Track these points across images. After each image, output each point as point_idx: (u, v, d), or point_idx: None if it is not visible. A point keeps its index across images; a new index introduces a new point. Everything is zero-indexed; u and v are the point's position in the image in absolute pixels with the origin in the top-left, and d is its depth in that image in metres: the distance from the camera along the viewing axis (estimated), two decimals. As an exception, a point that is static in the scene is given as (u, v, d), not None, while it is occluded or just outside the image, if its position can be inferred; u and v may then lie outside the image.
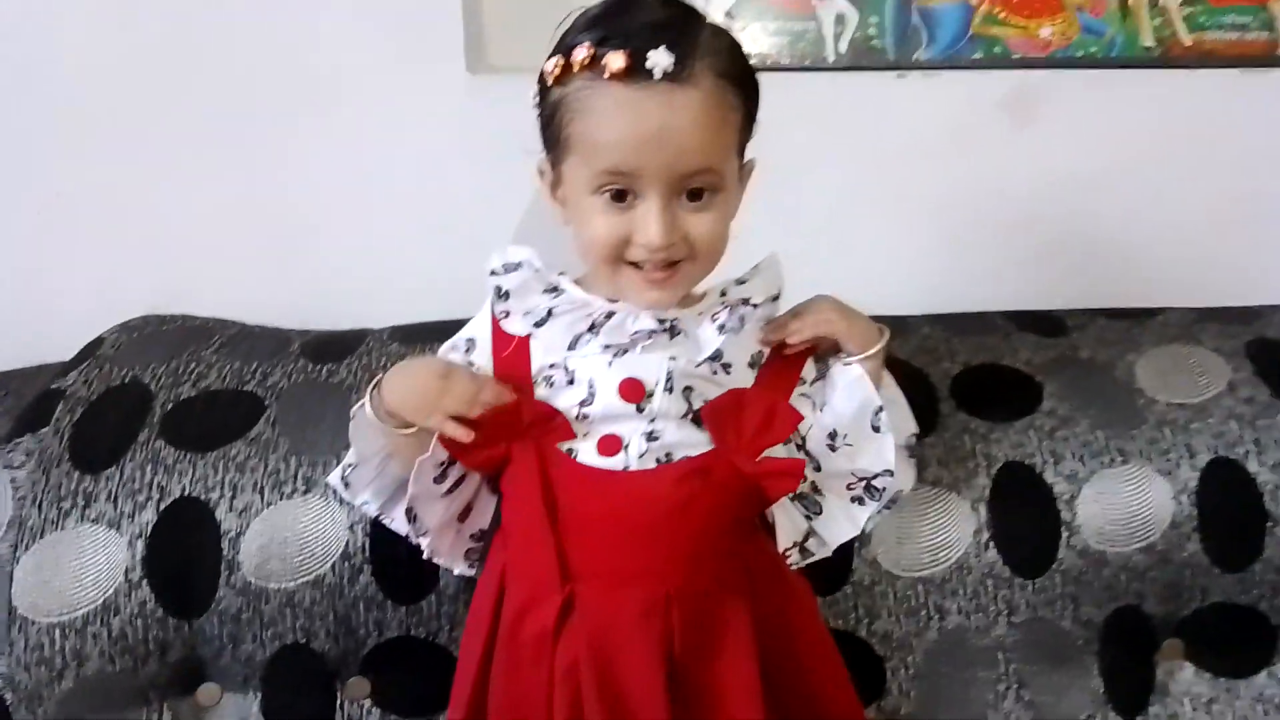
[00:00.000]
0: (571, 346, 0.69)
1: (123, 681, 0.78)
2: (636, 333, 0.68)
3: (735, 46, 0.66)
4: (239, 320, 1.01)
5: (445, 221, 1.08)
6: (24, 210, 1.07)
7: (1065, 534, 0.82)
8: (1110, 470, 0.83)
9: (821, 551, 0.75)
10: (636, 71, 0.61)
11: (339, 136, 1.06)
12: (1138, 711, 0.83)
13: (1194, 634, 0.84)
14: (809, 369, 0.74)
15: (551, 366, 0.70)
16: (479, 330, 0.74)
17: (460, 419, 0.67)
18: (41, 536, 0.78)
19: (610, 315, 0.69)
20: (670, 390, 0.68)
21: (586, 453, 0.68)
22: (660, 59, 0.61)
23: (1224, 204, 1.13)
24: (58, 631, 0.76)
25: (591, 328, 0.69)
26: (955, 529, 0.82)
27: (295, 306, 1.06)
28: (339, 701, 0.81)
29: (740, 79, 0.65)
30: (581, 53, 0.62)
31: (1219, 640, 0.84)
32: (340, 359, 0.90)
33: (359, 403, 0.71)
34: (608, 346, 0.69)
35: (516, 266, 0.71)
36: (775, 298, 0.73)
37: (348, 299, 1.08)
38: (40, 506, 0.79)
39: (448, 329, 0.79)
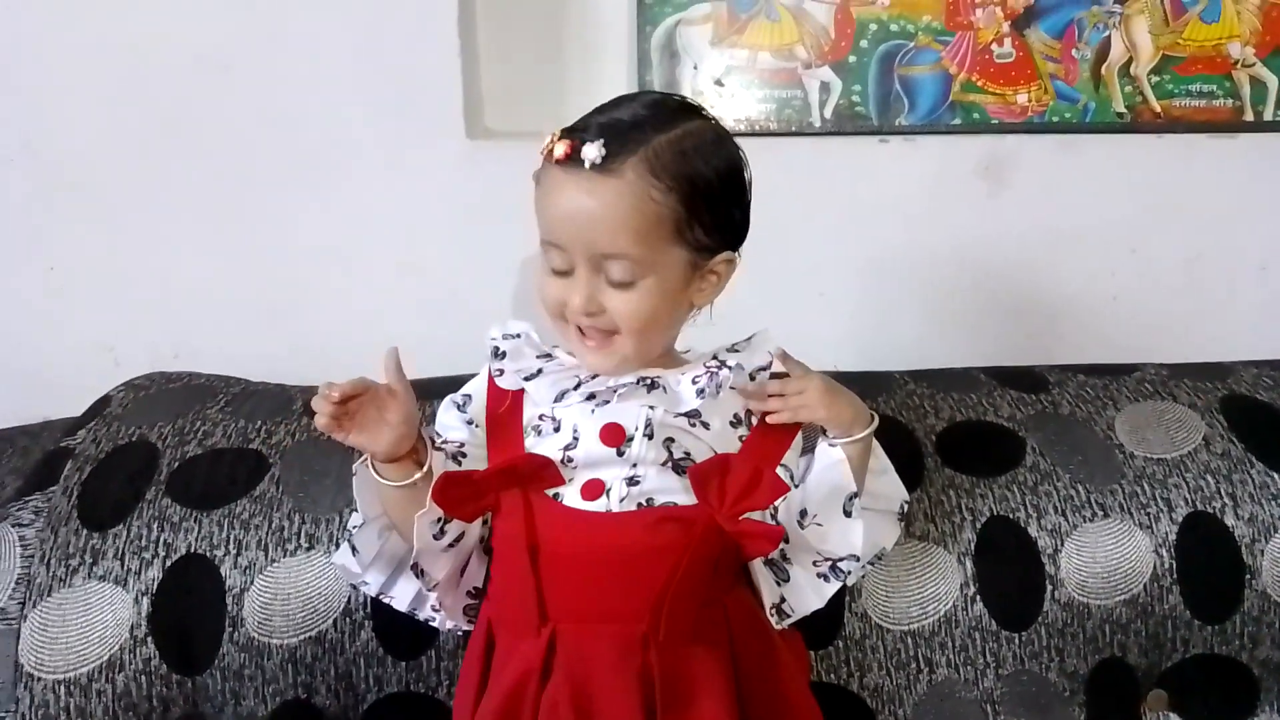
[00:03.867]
0: (558, 400, 0.74)
1: (126, 739, 0.79)
2: (618, 384, 0.72)
3: (696, 150, 0.71)
4: (241, 377, 1.04)
5: (442, 283, 1.11)
6: (31, 272, 1.10)
7: (1050, 587, 0.84)
8: (1092, 524, 0.86)
9: (799, 613, 0.76)
10: (573, 160, 0.68)
11: (340, 200, 1.10)
12: (1124, 761, 0.85)
13: (1177, 685, 0.87)
14: (798, 440, 0.76)
15: (540, 417, 0.75)
16: (476, 387, 0.80)
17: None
18: (49, 594, 0.79)
19: (595, 376, 0.74)
20: (650, 436, 0.71)
21: (571, 496, 0.72)
22: (590, 152, 0.68)
23: (1193, 261, 1.17)
24: (63, 689, 0.78)
25: (577, 386, 0.74)
26: (942, 582, 0.84)
27: (294, 367, 1.08)
28: (344, 756, 0.82)
29: (680, 178, 0.70)
30: (547, 142, 0.70)
31: (1202, 691, 0.86)
32: (343, 417, 0.92)
33: (357, 463, 0.74)
34: (590, 397, 0.73)
35: (515, 336, 0.78)
36: (764, 368, 0.76)
37: (345, 358, 1.09)
38: (49, 564, 0.80)
39: (446, 386, 0.83)
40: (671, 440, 0.72)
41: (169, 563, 0.81)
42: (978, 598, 0.84)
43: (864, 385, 0.97)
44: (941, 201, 1.15)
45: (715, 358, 0.77)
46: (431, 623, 0.77)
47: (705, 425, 0.74)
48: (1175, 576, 0.85)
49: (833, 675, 0.82)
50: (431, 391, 0.91)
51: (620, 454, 0.72)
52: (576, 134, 0.69)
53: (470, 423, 0.78)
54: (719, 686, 0.69)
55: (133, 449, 0.88)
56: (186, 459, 0.87)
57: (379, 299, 1.12)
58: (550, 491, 0.72)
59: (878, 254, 1.16)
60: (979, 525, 0.86)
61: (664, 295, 0.73)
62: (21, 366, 1.12)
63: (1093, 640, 0.84)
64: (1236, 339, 1.12)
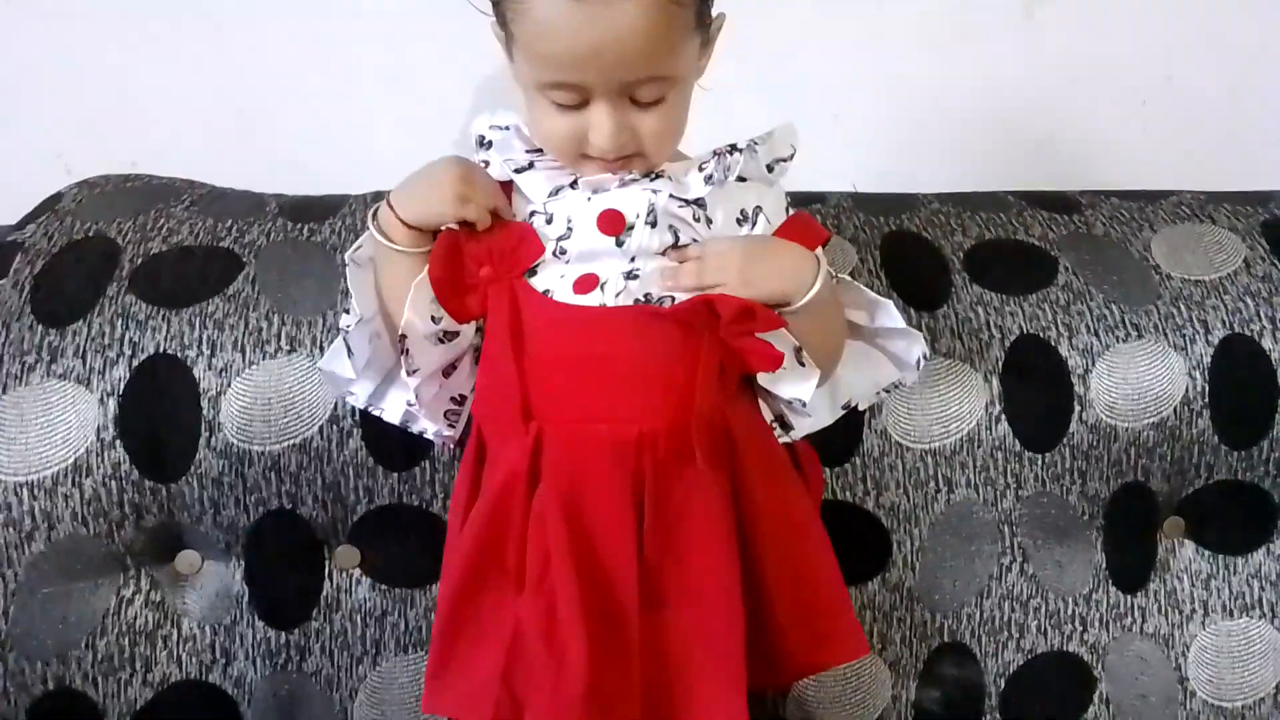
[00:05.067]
0: (553, 195, 0.66)
1: (96, 546, 0.74)
2: (622, 179, 0.65)
3: None
4: (208, 183, 0.95)
5: (431, 95, 1.01)
6: None
7: (1077, 408, 0.80)
8: (1125, 345, 0.81)
9: (801, 428, 0.71)
10: None
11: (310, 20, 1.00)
12: (1138, 587, 0.83)
13: (1196, 513, 0.84)
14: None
15: (531, 214, 0.67)
16: None
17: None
18: (4, 392, 0.72)
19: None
20: (653, 225, 0.64)
21: (562, 291, 0.65)
22: None
23: (1232, 91, 1.10)
24: (25, 491, 0.72)
25: (574, 183, 0.66)
26: (967, 401, 0.80)
27: (265, 176, 1.00)
28: (327, 571, 0.78)
29: None
30: None
31: (1220, 518, 0.84)
32: (321, 219, 0.84)
33: (357, 242, 0.67)
34: (584, 189, 0.66)
35: (504, 129, 0.69)
36: (784, 160, 0.69)
37: (316, 168, 1.02)
38: (1, 361, 0.73)
39: None
40: (674, 229, 0.65)
41: (135, 362, 0.74)
42: (1002, 417, 0.80)
43: (885, 205, 0.91)
44: (971, 22, 1.06)
45: (729, 147, 0.69)
46: (424, 434, 0.71)
47: (709, 221, 0.66)
48: (1207, 400, 0.81)
49: (848, 493, 0.78)
50: None
51: (619, 244, 0.64)
52: None
53: None
54: (716, 508, 0.63)
55: (90, 244, 0.80)
56: (150, 255, 0.79)
57: (360, 112, 1.02)
58: (541, 287, 0.65)
59: (900, 76, 1.07)
60: (1007, 343, 0.81)
61: (688, 93, 0.65)
62: None
63: (1116, 464, 0.81)
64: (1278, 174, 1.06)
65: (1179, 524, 0.84)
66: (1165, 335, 0.82)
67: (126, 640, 0.75)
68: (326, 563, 0.78)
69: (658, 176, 0.66)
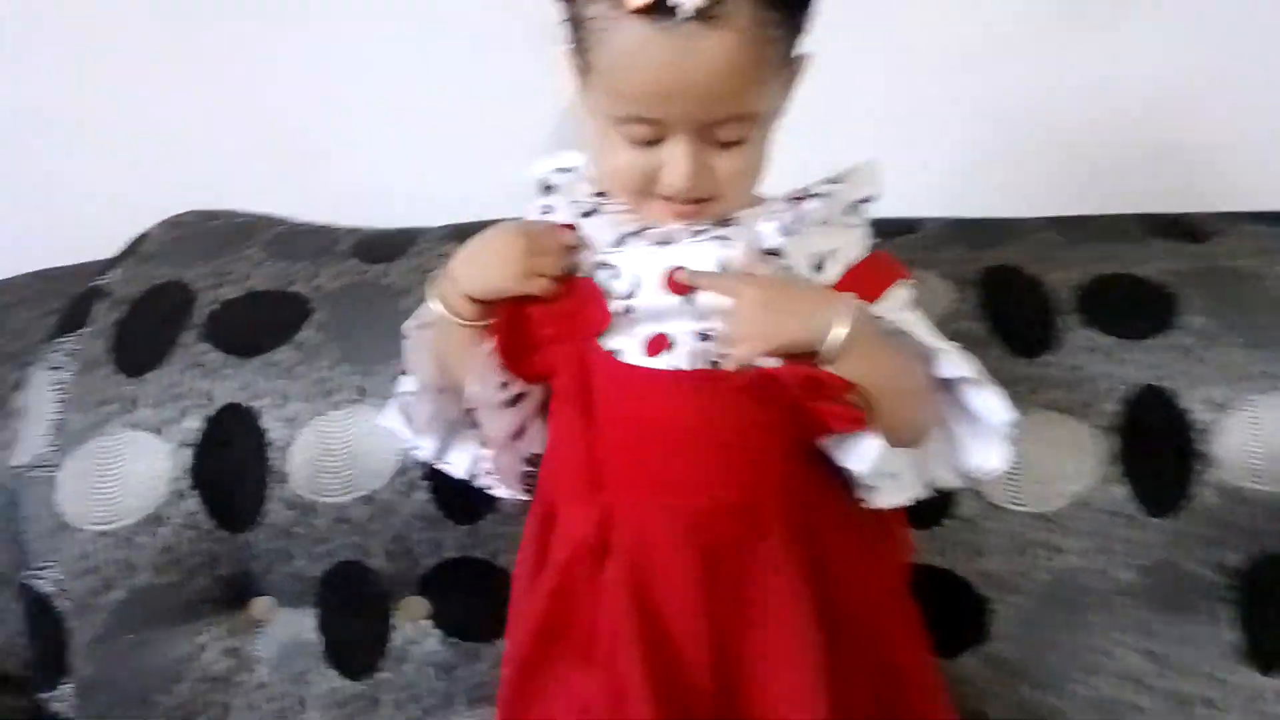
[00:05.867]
0: (618, 243, 0.62)
1: (173, 594, 0.75)
2: (694, 230, 0.61)
3: None
4: (284, 218, 0.95)
5: (489, 115, 0.98)
6: (57, 111, 1.00)
7: (1202, 468, 0.72)
8: (1262, 397, 0.72)
9: (873, 501, 0.63)
10: (659, 9, 0.52)
11: (373, 24, 0.97)
12: (1277, 666, 0.74)
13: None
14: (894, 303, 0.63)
15: (597, 266, 0.63)
16: None
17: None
18: (84, 442, 0.74)
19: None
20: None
21: (631, 352, 0.61)
22: None
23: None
24: (105, 542, 0.73)
25: (640, 231, 0.62)
26: (1077, 459, 0.72)
27: (335, 210, 0.97)
28: (395, 621, 0.77)
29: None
30: None
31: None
32: (391, 259, 0.83)
33: (416, 313, 0.65)
34: (657, 242, 0.61)
35: (568, 171, 0.66)
36: (865, 201, 0.63)
37: (389, 202, 1.00)
38: (84, 411, 0.74)
39: None
40: None
41: (208, 411, 0.74)
42: (1117, 477, 0.72)
43: (986, 234, 0.84)
44: (1066, 30, 0.96)
45: (804, 192, 0.63)
46: (489, 490, 0.68)
47: (787, 270, 0.61)
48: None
49: (939, 557, 0.72)
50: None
51: (689, 303, 0.60)
52: None
53: None
54: (792, 587, 0.59)
55: (167, 290, 0.80)
56: (223, 301, 0.79)
57: (416, 139, 0.99)
58: (610, 347, 0.61)
59: (991, 95, 0.97)
60: (1123, 395, 0.73)
61: (769, 136, 0.60)
62: (56, 209, 1.04)
63: (1252, 532, 0.72)
64: None
65: (1324, 597, 0.75)
66: (1309, 385, 0.72)
67: (204, 686, 0.75)
68: (395, 613, 0.77)
69: (728, 224, 0.62)
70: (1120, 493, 0.72)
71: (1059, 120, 0.99)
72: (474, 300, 0.63)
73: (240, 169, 1.01)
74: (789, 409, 0.59)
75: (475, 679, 0.76)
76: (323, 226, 0.92)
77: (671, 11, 0.52)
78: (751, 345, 0.58)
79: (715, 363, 0.60)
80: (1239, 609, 0.73)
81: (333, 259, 0.83)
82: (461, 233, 0.85)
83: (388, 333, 0.76)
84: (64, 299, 0.86)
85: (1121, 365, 0.74)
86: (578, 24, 0.57)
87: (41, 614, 0.74)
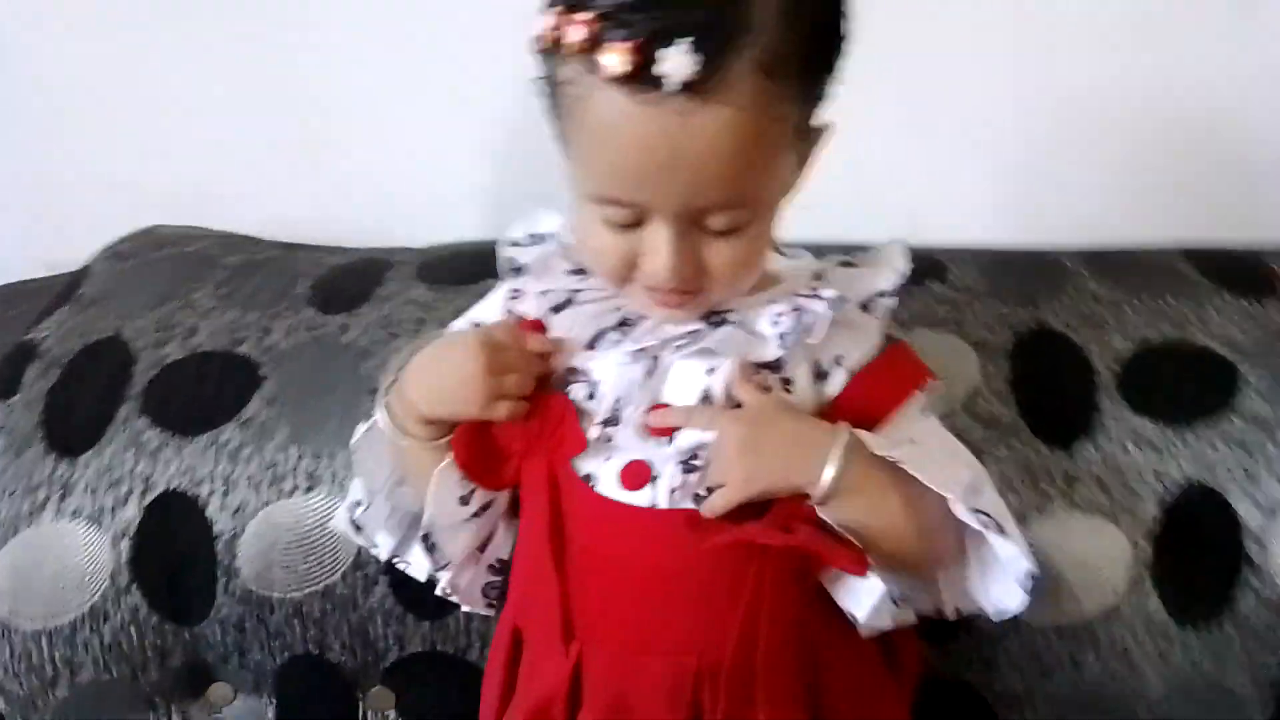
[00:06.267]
0: (591, 345, 0.54)
1: (122, 689, 0.70)
2: (669, 339, 0.53)
3: (802, 16, 0.46)
4: (252, 234, 0.87)
5: (508, 119, 0.88)
6: (34, 112, 0.95)
7: (1249, 576, 0.64)
8: (1339, 504, 0.64)
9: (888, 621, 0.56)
10: (643, 78, 0.43)
11: (370, 23, 0.88)
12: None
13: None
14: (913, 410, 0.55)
15: (570, 372, 0.55)
16: (487, 313, 0.60)
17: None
18: (15, 533, 0.68)
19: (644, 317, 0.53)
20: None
21: (607, 482, 0.54)
22: (675, 66, 0.43)
23: None
24: (44, 639, 0.68)
25: (622, 324, 0.54)
26: (1106, 569, 0.65)
27: (317, 216, 0.92)
28: (361, 711, 0.72)
29: (803, 62, 0.46)
30: (578, 33, 0.44)
31: None
32: (353, 306, 0.75)
33: (365, 424, 0.58)
34: (636, 352, 0.53)
35: (542, 239, 0.57)
36: (883, 294, 0.55)
37: (375, 209, 0.94)
38: (12, 497, 0.68)
39: (479, 262, 0.68)
40: (741, 406, 0.53)
41: (146, 500, 0.68)
42: (1152, 589, 0.64)
43: (1025, 275, 0.74)
44: (1162, 22, 0.82)
45: (817, 278, 0.55)
46: (450, 598, 0.62)
47: (787, 383, 0.53)
48: None
49: (953, 672, 0.66)
50: (468, 272, 0.74)
51: (671, 439, 0.53)
52: (630, 26, 0.43)
53: None
54: None
55: (104, 349, 0.73)
56: (165, 364, 0.72)
57: (430, 137, 0.90)
58: (584, 472, 0.54)
59: (1061, 94, 0.85)
60: (1167, 495, 0.64)
61: (771, 224, 0.52)
62: (32, 213, 0.98)
63: (1297, 645, 0.65)
64: None
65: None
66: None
67: (162, 777, 0.71)
68: (361, 703, 0.72)
69: (722, 320, 0.53)
70: (1153, 603, 0.65)
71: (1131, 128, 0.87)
72: (429, 421, 0.55)
73: (222, 170, 0.94)
74: (786, 552, 0.52)
75: (446, 771, 0.71)
76: (284, 252, 0.84)
77: (657, 82, 0.43)
78: (731, 491, 0.51)
79: (700, 496, 0.53)
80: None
81: (288, 306, 0.75)
82: (431, 272, 0.78)
83: (344, 406, 0.69)
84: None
85: (1166, 459, 0.65)
86: (553, 85, 0.48)
87: (-24, 715, 0.70)
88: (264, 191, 0.94)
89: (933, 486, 0.51)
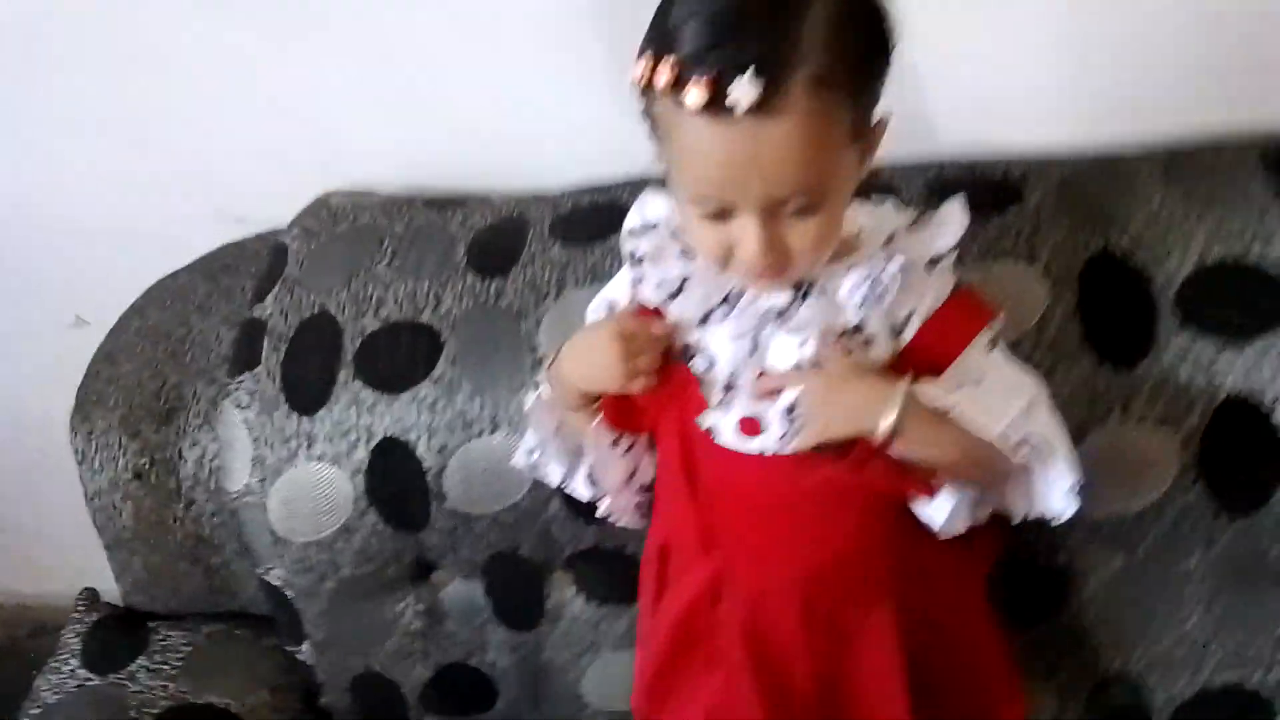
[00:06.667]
0: (704, 321, 0.68)
1: (372, 579, 0.92)
2: (765, 313, 0.66)
3: (850, 19, 0.56)
4: (404, 193, 1.00)
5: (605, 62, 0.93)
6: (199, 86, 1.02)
7: (1285, 472, 0.75)
8: (1360, 407, 0.73)
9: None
10: (717, 105, 0.54)
11: None
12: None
13: None
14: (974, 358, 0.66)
15: (688, 346, 0.69)
16: (619, 292, 0.74)
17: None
18: (280, 475, 0.89)
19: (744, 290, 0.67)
20: None
21: (727, 433, 0.68)
22: (743, 93, 0.54)
23: None
24: (313, 548, 0.90)
25: (725, 299, 0.67)
26: (1155, 471, 0.76)
27: (442, 161, 1.02)
28: (547, 590, 0.92)
29: (850, 72, 0.56)
30: (664, 76, 0.56)
31: None
32: (505, 271, 0.89)
33: (534, 392, 0.75)
34: (738, 335, 0.67)
35: (653, 227, 0.69)
36: (945, 253, 0.66)
37: (497, 151, 1.01)
38: (273, 447, 0.89)
39: (604, 215, 0.82)
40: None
41: (370, 445, 0.87)
42: (1195, 484, 0.76)
43: (1098, 190, 0.81)
44: None
45: (888, 242, 0.66)
46: (609, 519, 0.80)
47: (866, 345, 0.66)
48: None
49: (1018, 551, 0.80)
50: (599, 229, 0.86)
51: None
52: (704, 65, 0.54)
53: None
54: (885, 638, 0.69)
55: (317, 324, 0.91)
56: (366, 336, 0.89)
57: (530, 81, 0.95)
58: (706, 425, 0.69)
59: None
60: (1210, 408, 0.75)
61: (843, 204, 0.63)
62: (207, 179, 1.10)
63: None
64: None
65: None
66: None
67: (407, 639, 0.95)
68: (546, 583, 0.92)
69: (807, 291, 0.66)
70: (1197, 496, 0.76)
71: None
72: (583, 394, 0.71)
73: (359, 132, 1.02)
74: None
75: (617, 631, 0.92)
76: (436, 215, 0.97)
77: (729, 109, 0.54)
78: (811, 435, 0.65)
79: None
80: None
81: (452, 274, 0.90)
82: (566, 229, 0.90)
83: (510, 361, 0.86)
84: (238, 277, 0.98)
85: (1216, 374, 0.75)
86: (651, 117, 0.61)
87: (277, 598, 0.94)
88: (393, 152, 1.02)
89: (975, 431, 0.63)
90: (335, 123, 1.03)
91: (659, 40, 0.57)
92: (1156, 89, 0.89)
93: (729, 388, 0.68)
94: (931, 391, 0.64)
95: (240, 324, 0.94)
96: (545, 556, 0.90)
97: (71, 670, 0.96)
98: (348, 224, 0.98)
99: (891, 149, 0.64)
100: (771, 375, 0.67)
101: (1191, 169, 0.83)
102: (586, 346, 0.71)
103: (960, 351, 0.67)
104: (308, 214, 1.01)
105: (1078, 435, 0.72)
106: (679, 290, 0.68)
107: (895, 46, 0.59)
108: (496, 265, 0.90)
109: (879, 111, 0.61)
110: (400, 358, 0.88)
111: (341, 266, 0.93)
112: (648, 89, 0.58)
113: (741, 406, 0.68)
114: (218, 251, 1.08)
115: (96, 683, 0.94)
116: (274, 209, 1.02)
